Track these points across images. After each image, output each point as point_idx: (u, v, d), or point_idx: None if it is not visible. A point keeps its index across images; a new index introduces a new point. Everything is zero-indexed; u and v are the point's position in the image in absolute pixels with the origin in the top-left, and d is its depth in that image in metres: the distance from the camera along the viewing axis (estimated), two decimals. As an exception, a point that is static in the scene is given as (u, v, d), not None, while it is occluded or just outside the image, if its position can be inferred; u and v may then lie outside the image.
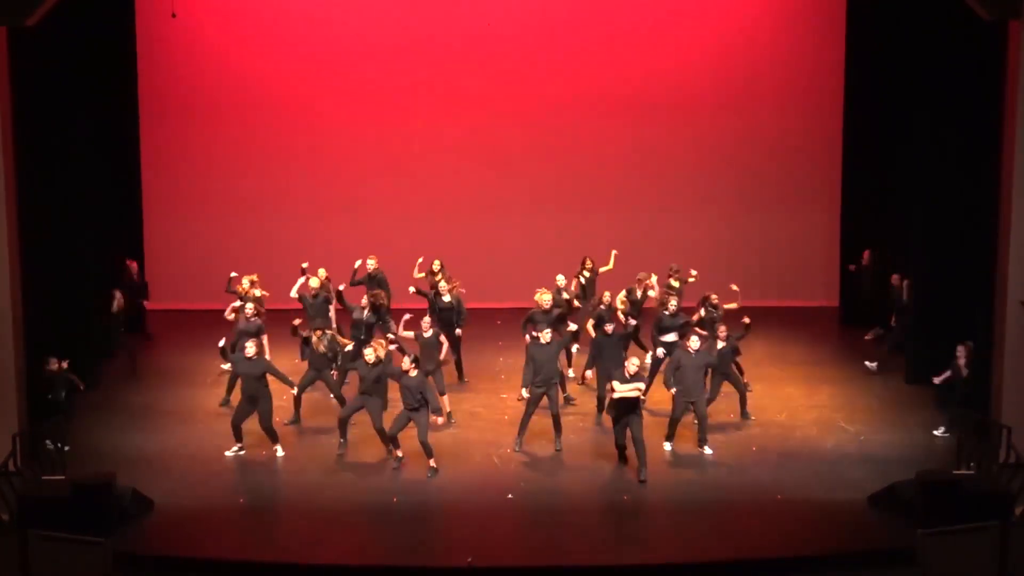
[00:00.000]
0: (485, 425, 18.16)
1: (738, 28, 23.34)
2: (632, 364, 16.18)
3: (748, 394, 18.51)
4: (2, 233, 17.00)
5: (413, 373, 16.47)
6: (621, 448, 16.49)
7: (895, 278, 20.31)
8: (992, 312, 17.58)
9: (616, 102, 23.49)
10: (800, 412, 18.69)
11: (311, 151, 23.66)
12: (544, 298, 18.69)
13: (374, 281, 20.24)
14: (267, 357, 17.93)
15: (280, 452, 17.18)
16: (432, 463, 16.62)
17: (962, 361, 17.69)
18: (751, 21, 23.35)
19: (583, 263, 20.63)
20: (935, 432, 17.81)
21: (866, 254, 21.65)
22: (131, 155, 22.82)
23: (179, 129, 23.40)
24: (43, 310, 18.13)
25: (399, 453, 16.81)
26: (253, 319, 18.73)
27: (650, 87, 23.47)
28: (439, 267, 20.16)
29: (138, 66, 22.75)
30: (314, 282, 19.61)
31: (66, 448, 16.93)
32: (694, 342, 17.25)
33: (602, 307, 18.80)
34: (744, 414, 18.33)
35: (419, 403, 16.43)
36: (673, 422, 17.24)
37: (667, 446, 17.26)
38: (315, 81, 23.37)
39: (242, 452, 17.19)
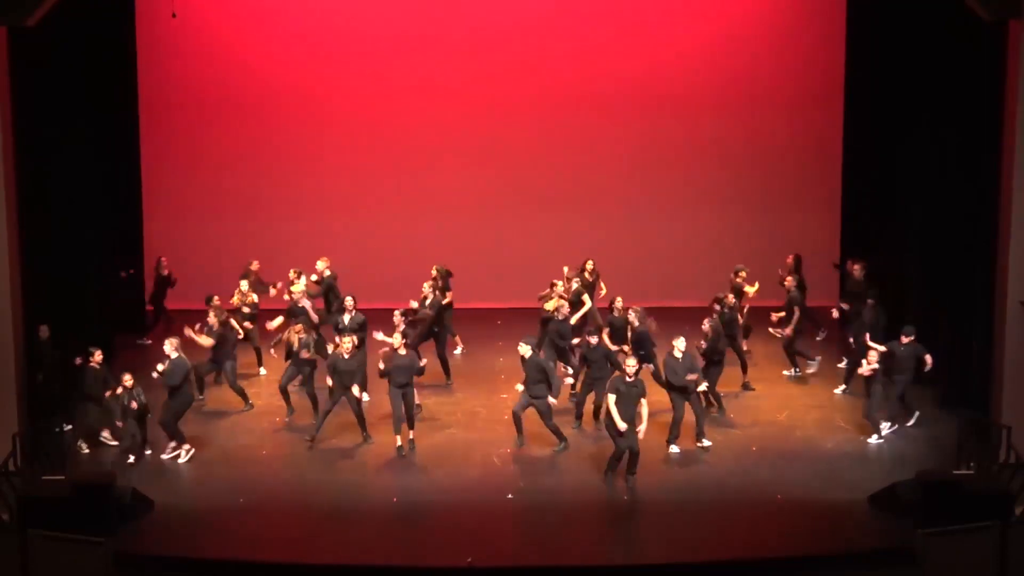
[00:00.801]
0: (485, 425, 18.16)
1: (738, 28, 23.33)
2: (630, 365, 16.19)
3: (749, 393, 18.63)
4: (2, 233, 17.03)
5: (403, 352, 16.97)
6: (618, 457, 16.35)
7: (789, 280, 20.34)
8: (992, 312, 17.59)
9: (616, 103, 23.49)
10: (800, 412, 18.69)
11: (311, 151, 23.65)
12: (565, 308, 18.86)
13: (326, 284, 20.34)
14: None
15: (185, 456, 16.97)
16: (411, 435, 17.17)
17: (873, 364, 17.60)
18: (751, 21, 23.34)
19: (584, 266, 20.63)
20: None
21: (789, 259, 21.55)
22: (131, 155, 22.80)
23: (179, 129, 23.40)
24: (43, 310, 18.13)
25: (400, 440, 17.14)
26: (217, 328, 18.54)
27: (650, 88, 23.46)
28: (436, 273, 20.18)
29: (138, 66, 22.72)
30: (298, 287, 19.72)
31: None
32: (680, 343, 17.21)
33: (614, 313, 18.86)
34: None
35: (410, 379, 16.99)
36: (676, 422, 17.26)
37: (674, 448, 17.26)
38: (315, 81, 23.37)
39: (191, 451, 17.10)
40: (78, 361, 17.69)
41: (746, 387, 19.43)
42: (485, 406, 18.82)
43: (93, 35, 20.64)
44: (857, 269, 20.44)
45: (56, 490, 15.22)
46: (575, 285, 19.93)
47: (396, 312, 18.44)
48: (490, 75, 23.45)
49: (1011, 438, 16.36)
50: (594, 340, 17.59)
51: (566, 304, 19.00)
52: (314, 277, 20.33)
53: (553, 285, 19.58)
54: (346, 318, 18.61)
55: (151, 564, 14.41)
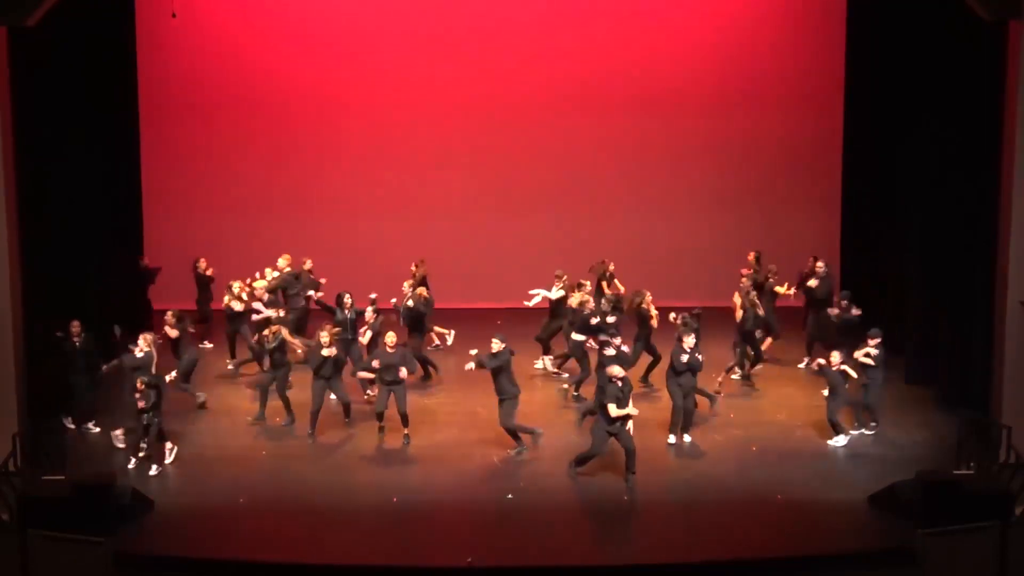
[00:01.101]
0: (485, 425, 18.13)
1: (738, 29, 23.34)
2: (617, 370, 16.21)
3: (749, 393, 18.72)
4: (2, 233, 17.01)
5: (392, 350, 17.18)
6: (588, 459, 16.42)
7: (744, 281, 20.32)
8: (992, 312, 17.59)
9: (616, 103, 23.50)
10: (800, 412, 18.68)
11: (310, 151, 23.67)
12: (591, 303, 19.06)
13: (299, 280, 20.52)
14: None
15: (169, 455, 16.98)
16: (407, 431, 17.37)
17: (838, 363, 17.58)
18: (751, 22, 23.36)
19: (606, 267, 20.70)
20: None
21: (751, 256, 21.58)
22: (131, 155, 22.81)
23: (179, 129, 23.41)
24: (43, 310, 18.14)
25: (382, 425, 17.45)
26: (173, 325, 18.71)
27: (651, 88, 23.47)
28: (415, 269, 20.28)
29: (138, 66, 22.75)
30: (260, 283, 19.94)
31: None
32: (690, 340, 17.32)
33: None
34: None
35: (397, 377, 17.15)
36: (676, 411, 17.46)
37: (671, 439, 17.42)
38: (315, 81, 23.37)
39: (174, 450, 17.11)
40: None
41: (746, 378, 19.58)
42: (485, 406, 18.77)
43: (93, 35, 20.63)
44: (821, 267, 20.42)
45: (56, 490, 15.21)
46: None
47: (368, 308, 18.71)
48: (490, 77, 23.46)
49: (1011, 438, 16.36)
50: (616, 342, 17.53)
51: (591, 299, 19.17)
52: (275, 273, 20.51)
53: (582, 285, 19.67)
54: (346, 314, 18.86)
55: (151, 564, 14.41)
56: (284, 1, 23.36)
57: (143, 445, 16.71)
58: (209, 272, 21.70)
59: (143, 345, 17.22)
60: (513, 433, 17.17)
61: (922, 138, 19.62)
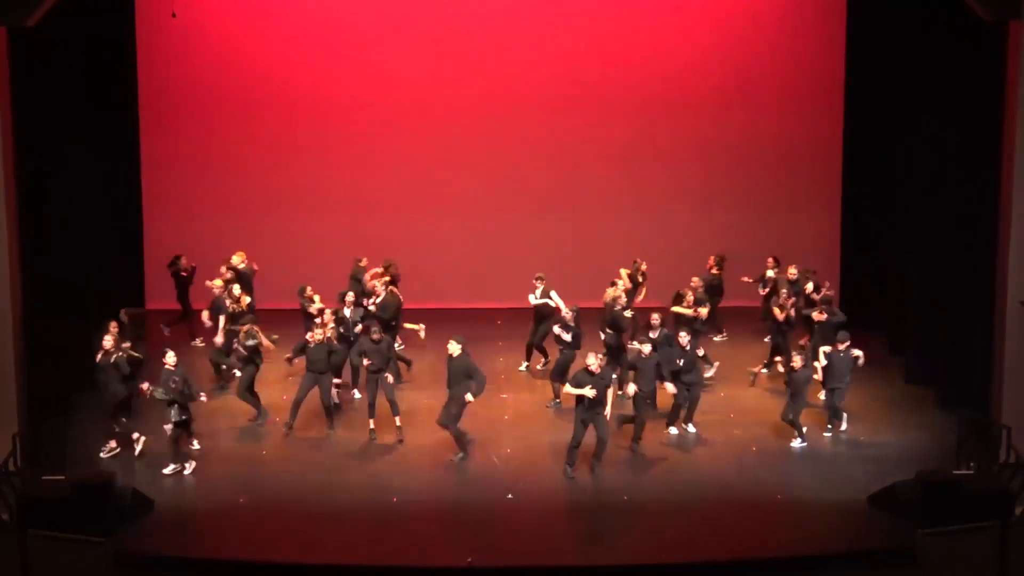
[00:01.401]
0: (485, 425, 18.14)
1: (738, 28, 23.31)
2: (592, 360, 16.22)
3: (749, 393, 18.79)
4: (2, 233, 17.03)
5: (376, 340, 17.45)
6: (573, 450, 16.46)
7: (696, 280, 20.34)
8: (992, 312, 17.59)
9: (617, 103, 23.47)
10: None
11: (310, 151, 23.64)
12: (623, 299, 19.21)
13: (244, 278, 20.46)
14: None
15: (107, 453, 17.14)
16: (398, 420, 17.58)
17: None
18: (751, 21, 23.33)
19: (639, 266, 20.78)
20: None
21: (711, 260, 21.63)
22: (131, 155, 22.82)
23: (179, 129, 23.38)
24: (43, 310, 18.14)
25: (373, 428, 17.57)
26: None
27: (651, 88, 23.45)
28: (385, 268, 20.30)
29: (138, 66, 22.75)
30: (217, 282, 19.89)
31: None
32: (684, 338, 17.57)
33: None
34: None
35: (384, 365, 17.41)
36: (676, 408, 17.62)
37: (672, 431, 17.63)
38: (315, 81, 23.35)
39: (115, 450, 17.22)
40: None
41: (754, 377, 19.71)
42: (485, 406, 18.78)
43: (93, 35, 20.65)
44: (793, 273, 20.34)
45: (56, 490, 15.21)
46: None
47: (327, 311, 18.84)
48: (491, 77, 23.41)
49: (1011, 438, 16.37)
50: (647, 349, 17.44)
51: (623, 295, 19.22)
52: (228, 270, 20.50)
53: (615, 283, 19.72)
54: (346, 312, 18.88)
55: (151, 564, 14.42)
56: (284, 1, 23.35)
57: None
58: (254, 266, 21.25)
59: (110, 345, 17.13)
60: (460, 438, 17.13)
61: (922, 138, 19.63)
